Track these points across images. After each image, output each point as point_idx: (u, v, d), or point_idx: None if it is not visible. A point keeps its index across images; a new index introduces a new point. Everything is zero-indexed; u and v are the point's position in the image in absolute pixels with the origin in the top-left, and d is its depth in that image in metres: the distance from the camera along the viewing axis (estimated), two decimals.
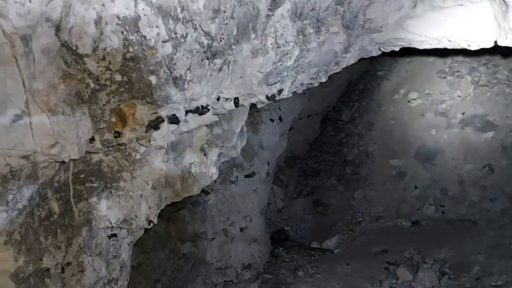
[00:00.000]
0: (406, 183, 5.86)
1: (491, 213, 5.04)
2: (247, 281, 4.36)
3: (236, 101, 2.28)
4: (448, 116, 6.19)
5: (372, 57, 3.57)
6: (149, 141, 1.72)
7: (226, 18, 1.87)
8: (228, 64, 1.98)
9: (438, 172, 5.71)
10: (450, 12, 2.54)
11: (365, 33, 2.80)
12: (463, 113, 6.09)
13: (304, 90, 4.12)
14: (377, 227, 5.33)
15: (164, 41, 1.52)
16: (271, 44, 2.14)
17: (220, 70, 1.91)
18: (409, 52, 3.66)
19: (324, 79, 3.02)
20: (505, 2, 2.28)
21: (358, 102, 7.47)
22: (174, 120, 1.82)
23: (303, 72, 2.77)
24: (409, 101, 6.67)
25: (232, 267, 4.34)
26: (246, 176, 4.53)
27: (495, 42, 2.61)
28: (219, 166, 4.31)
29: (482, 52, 3.09)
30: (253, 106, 2.77)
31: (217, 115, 2.23)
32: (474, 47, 2.79)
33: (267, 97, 2.47)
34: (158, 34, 1.50)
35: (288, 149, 6.66)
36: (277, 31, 2.14)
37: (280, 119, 4.95)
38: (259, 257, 4.56)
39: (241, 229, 4.44)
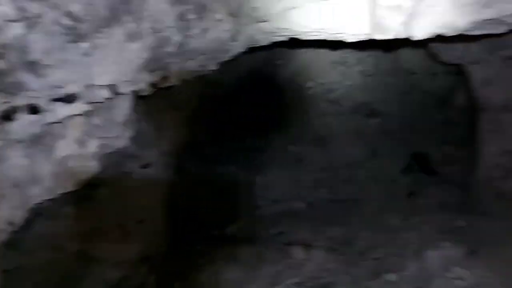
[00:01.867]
0: (302, 167, 6.16)
1: (375, 192, 5.52)
2: (145, 274, 4.24)
3: (112, 89, 2.15)
4: (339, 104, 6.61)
5: (272, 47, 3.64)
6: (3, 134, 1.54)
7: None
8: (98, 48, 1.84)
9: (331, 157, 6.09)
10: (328, 4, 2.66)
11: (252, 22, 2.81)
12: (352, 101, 6.56)
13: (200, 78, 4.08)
14: (275, 211, 5.53)
15: (11, 21, 1.36)
16: (148, 28, 2.04)
17: (87, 54, 1.77)
18: (305, 43, 3.78)
19: (214, 67, 3.00)
20: None
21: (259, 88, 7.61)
22: (34, 110, 1.65)
23: (190, 59, 2.71)
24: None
25: (128, 261, 4.18)
26: (142, 166, 4.37)
27: (369, 35, 2.80)
28: (111, 157, 4.11)
29: (368, 43, 3.30)
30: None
31: (92, 103, 2.08)
32: (351, 39, 2.97)
33: (149, 84, 2.38)
34: (3, 12, 1.33)
35: (190, 136, 6.57)
36: (155, 14, 2.05)
37: (177, 107, 4.83)
38: (158, 249, 4.45)
39: (138, 222, 4.28)
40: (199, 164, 6.71)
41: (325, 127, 6.43)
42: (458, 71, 5.76)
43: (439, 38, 2.52)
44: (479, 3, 2.05)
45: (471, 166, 5.04)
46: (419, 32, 2.32)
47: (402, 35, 2.52)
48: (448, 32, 2.27)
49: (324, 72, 6.95)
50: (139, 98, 3.95)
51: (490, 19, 2.15)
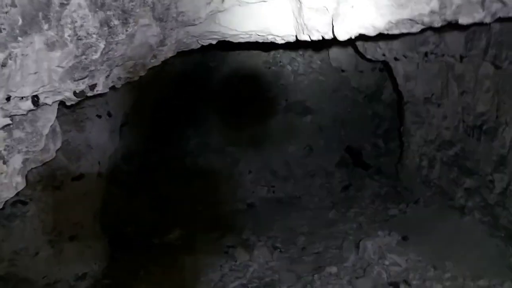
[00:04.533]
0: (241, 168, 6.19)
1: (312, 188, 5.69)
2: None
3: (35, 100, 2.02)
4: (273, 103, 6.73)
5: (204, 49, 3.60)
6: None
7: (6, 5, 1.63)
8: (15, 58, 1.73)
9: (268, 155, 6.18)
10: (255, 7, 2.70)
11: (180, 26, 2.77)
12: (286, 100, 6.70)
13: (133, 83, 3.95)
14: (216, 214, 5.50)
15: None
16: (69, 36, 1.94)
17: (3, 65, 1.65)
18: (237, 45, 3.79)
19: (143, 73, 2.91)
20: None
21: (193, 93, 7.54)
22: None
23: (118, 65, 2.62)
24: (239, 90, 7.03)
25: (63, 280, 3.95)
26: (73, 179, 4.14)
27: (296, 37, 2.88)
28: (39, 170, 3.87)
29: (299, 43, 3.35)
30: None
31: (12, 116, 1.94)
32: (280, 41, 3.03)
33: (75, 93, 2.26)
34: None
35: (125, 145, 6.34)
36: (76, 21, 1.95)
37: (109, 114, 4.64)
38: (95, 263, 4.25)
39: (71, 238, 4.05)
40: (136, 173, 6.51)
41: (261, 126, 6.52)
42: (383, 68, 6.12)
43: (363, 37, 2.65)
44: (394, 5, 2.18)
45: (400, 157, 5.36)
46: (343, 32, 2.42)
47: (327, 36, 2.61)
48: (369, 32, 2.39)
49: (258, 72, 7.04)
50: (66, 107, 3.75)
51: (405, 19, 2.30)
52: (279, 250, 4.43)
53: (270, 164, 6.02)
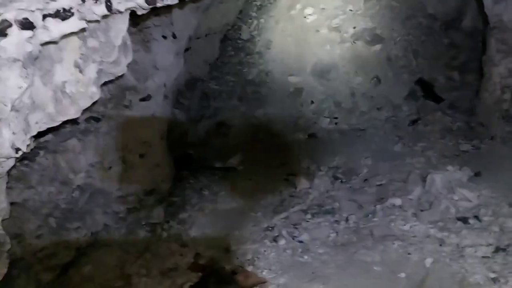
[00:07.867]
0: (303, 98, 6.04)
1: (378, 121, 5.46)
2: (151, 205, 4.28)
3: (108, 4, 1.98)
4: (341, 31, 6.35)
5: None
6: None
7: None
8: None
9: (332, 86, 5.95)
10: None
11: None
12: (354, 28, 6.30)
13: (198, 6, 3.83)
14: (277, 142, 5.50)
15: None
16: None
17: None
18: None
19: None
20: None
21: (257, 19, 7.30)
22: (27, 25, 1.51)
23: None
24: (305, 17, 6.68)
25: (133, 194, 4.20)
26: (141, 99, 4.24)
27: None
28: (110, 88, 3.99)
29: None
30: (135, 16, 2.49)
31: (87, 21, 1.92)
32: None
33: (146, 0, 2.19)
34: None
35: (188, 71, 6.36)
36: None
37: (174, 36, 4.60)
38: (162, 181, 4.46)
39: (141, 156, 4.24)
40: (198, 99, 6.59)
41: (326, 55, 6.23)
42: None
43: None
44: None
45: (478, 90, 4.94)
46: None
47: None
48: None
49: None
50: (133, 26, 3.74)
51: None
52: (340, 180, 4.38)
53: (335, 95, 5.81)
